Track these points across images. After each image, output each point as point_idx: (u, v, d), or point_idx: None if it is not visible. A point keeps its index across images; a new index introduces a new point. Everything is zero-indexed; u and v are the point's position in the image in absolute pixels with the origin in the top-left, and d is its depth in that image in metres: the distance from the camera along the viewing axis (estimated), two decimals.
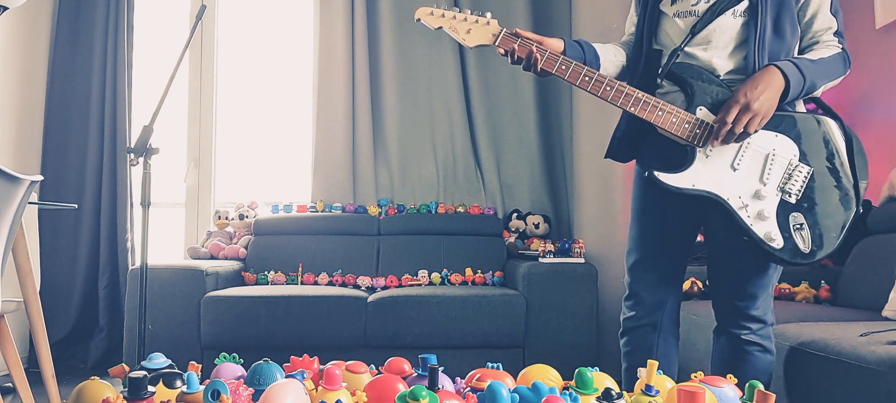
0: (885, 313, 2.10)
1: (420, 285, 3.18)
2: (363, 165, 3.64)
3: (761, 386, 1.22)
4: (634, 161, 1.68)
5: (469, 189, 3.66)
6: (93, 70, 3.52)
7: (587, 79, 1.47)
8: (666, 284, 1.64)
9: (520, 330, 2.81)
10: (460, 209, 3.59)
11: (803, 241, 1.43)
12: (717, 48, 1.51)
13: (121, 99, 3.50)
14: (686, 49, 1.52)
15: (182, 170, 3.71)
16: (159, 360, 1.36)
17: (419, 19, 1.52)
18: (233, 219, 3.51)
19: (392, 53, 3.66)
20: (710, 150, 1.45)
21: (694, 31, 1.51)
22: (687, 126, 1.45)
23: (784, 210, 1.45)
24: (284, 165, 3.88)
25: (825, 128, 1.49)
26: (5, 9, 2.45)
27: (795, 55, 1.51)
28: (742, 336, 1.53)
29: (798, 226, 1.44)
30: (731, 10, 1.49)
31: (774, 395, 1.18)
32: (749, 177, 1.45)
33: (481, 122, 3.66)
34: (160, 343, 2.69)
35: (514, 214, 3.57)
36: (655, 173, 1.45)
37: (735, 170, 1.45)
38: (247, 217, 3.52)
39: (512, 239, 3.48)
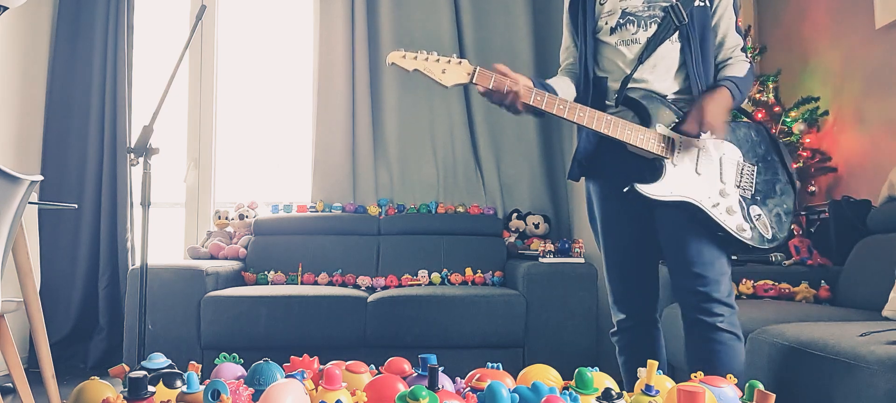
0: (884, 313, 2.09)
1: (420, 285, 3.18)
2: (363, 165, 3.64)
3: (761, 386, 1.22)
4: (589, 185, 1.84)
5: (469, 189, 3.66)
6: (93, 70, 3.52)
7: (561, 107, 1.58)
8: (644, 286, 1.78)
9: (520, 330, 2.81)
10: (460, 209, 3.59)
11: (766, 228, 1.63)
12: (662, 72, 1.67)
13: (121, 99, 3.50)
14: (635, 75, 1.67)
15: (182, 170, 3.71)
16: (159, 360, 1.36)
17: (393, 63, 1.57)
18: (233, 219, 3.51)
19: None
20: (676, 161, 1.61)
21: (641, 59, 1.66)
22: (654, 141, 1.60)
23: (744, 204, 1.63)
24: (284, 165, 3.88)
25: (753, 131, 1.71)
26: (5, 9, 2.45)
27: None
28: (717, 325, 1.59)
29: (757, 216, 1.63)
30: (669, 38, 1.67)
31: (774, 395, 1.18)
32: (712, 179, 1.62)
33: (481, 122, 3.66)
34: (160, 344, 2.68)
35: (514, 214, 3.57)
36: (636, 186, 1.57)
37: (699, 174, 1.61)
38: (247, 217, 3.52)
39: (512, 239, 3.48)
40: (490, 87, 1.59)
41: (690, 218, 1.60)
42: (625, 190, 1.59)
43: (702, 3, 1.68)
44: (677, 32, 1.67)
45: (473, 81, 1.59)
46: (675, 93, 1.68)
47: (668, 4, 1.67)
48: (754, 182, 1.65)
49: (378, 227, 3.52)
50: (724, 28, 1.72)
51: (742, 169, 1.65)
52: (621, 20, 1.69)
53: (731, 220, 1.60)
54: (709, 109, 1.58)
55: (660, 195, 1.58)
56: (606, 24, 1.72)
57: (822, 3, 3.22)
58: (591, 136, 1.74)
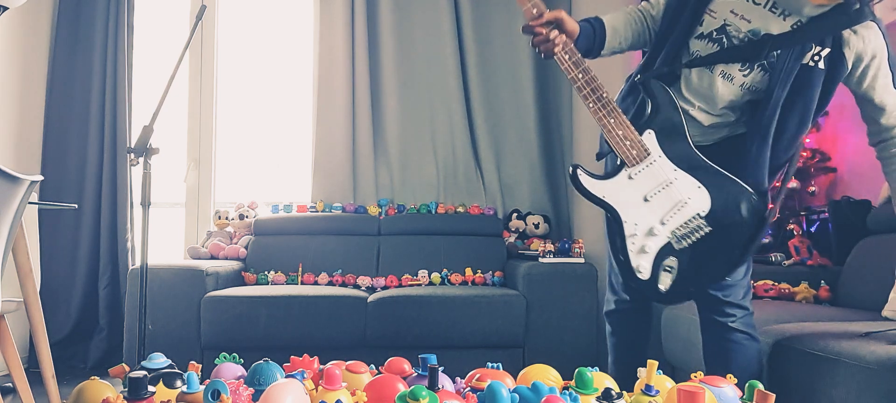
0: (884, 313, 2.10)
1: (420, 285, 3.18)
2: (363, 165, 3.64)
3: (761, 386, 1.22)
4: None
5: (469, 189, 3.66)
6: (93, 70, 3.52)
7: (579, 80, 1.53)
8: None
9: (520, 330, 2.81)
10: (460, 209, 3.59)
11: (664, 283, 1.52)
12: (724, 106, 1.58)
13: (121, 99, 3.50)
14: (685, 94, 1.59)
15: (182, 170, 3.71)
16: (159, 360, 1.36)
17: None
18: (233, 219, 3.51)
19: (392, 53, 3.66)
20: (635, 175, 1.53)
21: (691, 64, 1.57)
22: (627, 143, 1.53)
23: (665, 251, 1.53)
24: (284, 165, 3.88)
25: (746, 201, 1.54)
26: (5, 9, 2.45)
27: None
28: (729, 324, 1.60)
29: (669, 268, 1.52)
30: (740, 68, 1.54)
31: (774, 395, 1.18)
32: (652, 214, 1.53)
33: (481, 122, 3.66)
34: (160, 343, 2.68)
35: (514, 214, 3.57)
36: (578, 171, 1.53)
37: (646, 201, 1.53)
38: (247, 217, 3.52)
39: (512, 239, 3.48)
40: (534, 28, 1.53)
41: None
42: (569, 170, 1.57)
43: (813, 63, 1.49)
44: (760, 80, 1.52)
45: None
46: (713, 131, 1.60)
47: (756, 36, 1.50)
48: (694, 241, 1.52)
49: (378, 227, 3.52)
50: (880, 92, 1.52)
51: (693, 223, 1.52)
52: (716, 35, 1.55)
53: (636, 258, 1.52)
54: None
55: (591, 190, 1.53)
56: (702, 28, 1.58)
57: None
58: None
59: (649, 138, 1.54)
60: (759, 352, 1.64)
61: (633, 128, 1.53)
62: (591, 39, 1.64)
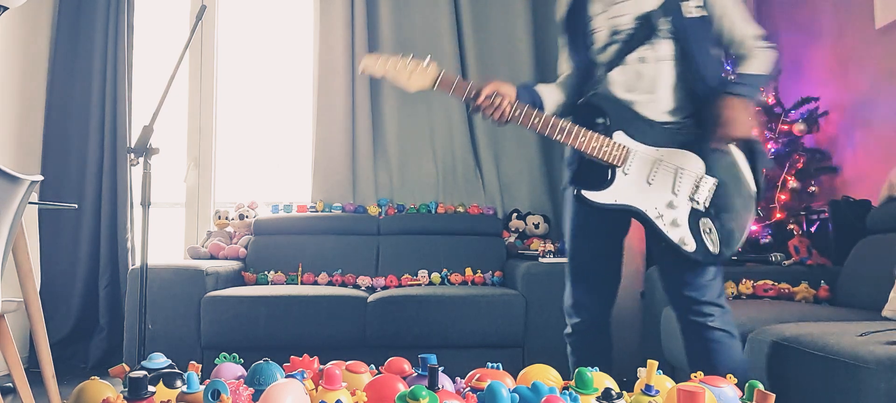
0: (884, 313, 2.10)
1: (420, 285, 3.18)
2: (363, 165, 3.64)
3: (761, 386, 1.22)
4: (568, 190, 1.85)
5: (469, 189, 3.66)
6: (93, 70, 3.52)
7: (537, 122, 1.65)
8: (605, 292, 1.84)
9: (519, 330, 2.81)
10: (460, 209, 3.59)
11: (712, 243, 1.62)
12: (660, 92, 1.69)
13: (121, 99, 3.50)
14: (628, 96, 1.69)
15: (182, 170, 3.71)
16: (159, 360, 1.36)
17: (363, 71, 1.67)
18: (233, 219, 3.51)
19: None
20: (628, 170, 1.63)
21: (609, 67, 1.71)
22: (609, 149, 1.63)
23: (695, 217, 1.63)
24: (284, 165, 3.88)
25: (722, 144, 1.66)
26: (5, 9, 2.45)
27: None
28: (708, 324, 1.65)
29: (708, 231, 1.63)
30: (652, 50, 1.68)
31: (774, 395, 1.18)
32: (662, 190, 1.63)
33: (481, 122, 3.66)
34: (160, 343, 2.68)
35: (514, 214, 3.57)
36: (582, 192, 1.63)
37: (650, 184, 1.63)
38: (247, 217, 3.52)
39: (512, 239, 3.48)
40: (451, 92, 1.63)
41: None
42: (574, 194, 1.66)
43: (697, 14, 1.67)
44: (669, 49, 1.66)
45: (435, 87, 1.64)
46: (670, 113, 1.68)
47: (644, 13, 1.66)
48: (710, 195, 1.64)
49: (378, 227, 3.52)
50: (728, 26, 1.70)
51: (699, 181, 1.64)
52: (611, 39, 1.70)
53: (675, 232, 1.62)
54: (729, 124, 1.59)
55: (604, 201, 1.62)
56: (596, 43, 1.73)
57: (822, 3, 3.22)
58: (573, 153, 1.77)
59: (621, 137, 1.65)
60: (740, 349, 1.69)
61: (601, 135, 1.64)
62: (533, 96, 1.77)
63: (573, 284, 1.87)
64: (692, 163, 1.65)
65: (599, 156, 1.63)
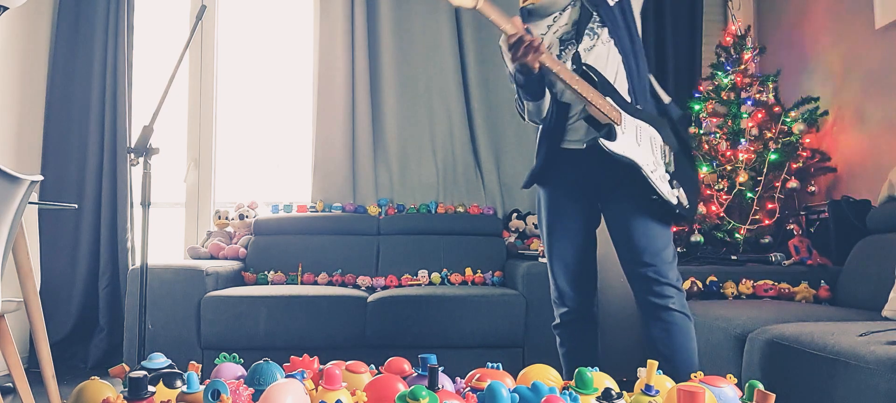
0: (884, 313, 2.10)
1: (420, 285, 3.18)
2: (363, 165, 3.64)
3: (761, 386, 1.22)
4: (541, 193, 1.99)
5: (469, 189, 3.66)
6: (93, 70, 3.52)
7: (563, 70, 1.71)
8: (586, 282, 1.95)
9: (519, 330, 2.81)
10: (460, 209, 3.59)
11: (684, 199, 1.81)
12: (614, 76, 1.84)
13: (121, 99, 3.50)
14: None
15: (182, 170, 3.71)
16: (159, 360, 1.36)
17: None
18: (233, 219, 3.51)
19: (392, 53, 3.66)
20: (625, 129, 1.76)
21: (560, 56, 1.85)
22: (610, 109, 1.74)
23: (671, 177, 1.82)
24: (284, 165, 3.88)
25: (664, 118, 1.88)
26: (5, 9, 2.45)
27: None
28: (669, 306, 1.75)
29: (676, 188, 1.81)
30: (594, 34, 1.84)
31: (774, 395, 1.18)
32: (648, 152, 1.79)
33: (481, 122, 3.66)
34: (160, 343, 2.68)
35: (514, 214, 3.57)
36: (600, 139, 1.71)
37: (639, 144, 1.77)
38: (247, 217, 3.52)
39: (512, 239, 3.48)
40: (492, 19, 1.72)
41: (636, 205, 1.79)
42: (586, 142, 1.79)
43: (617, 2, 1.82)
44: (606, 31, 1.80)
45: (478, 7, 1.73)
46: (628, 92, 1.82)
47: (575, 18, 1.82)
48: (671, 160, 1.83)
49: (378, 227, 3.52)
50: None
51: (664, 148, 1.83)
52: (561, 48, 1.84)
53: (664, 187, 1.77)
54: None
55: (617, 151, 1.71)
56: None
57: (822, 3, 3.22)
58: (546, 154, 1.89)
59: (612, 102, 1.77)
60: (693, 330, 1.80)
61: (605, 98, 1.75)
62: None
63: (555, 276, 1.96)
64: (654, 133, 1.82)
65: (606, 113, 1.73)
